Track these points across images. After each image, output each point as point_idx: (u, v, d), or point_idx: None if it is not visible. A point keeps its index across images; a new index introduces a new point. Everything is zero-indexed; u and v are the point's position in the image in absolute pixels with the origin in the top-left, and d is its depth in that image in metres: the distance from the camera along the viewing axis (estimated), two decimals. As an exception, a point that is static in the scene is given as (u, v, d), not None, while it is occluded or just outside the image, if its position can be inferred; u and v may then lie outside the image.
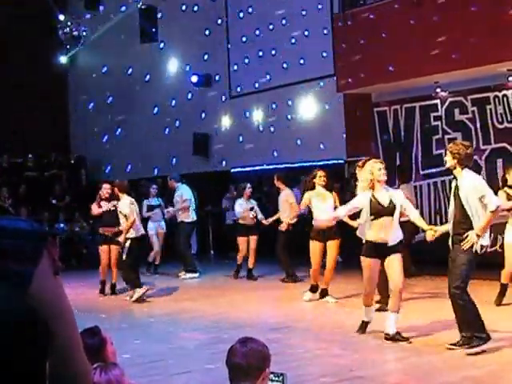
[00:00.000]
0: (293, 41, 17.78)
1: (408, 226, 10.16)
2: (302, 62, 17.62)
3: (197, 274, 15.02)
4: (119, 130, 22.27)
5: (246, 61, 19.10)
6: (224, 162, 19.55)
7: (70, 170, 22.29)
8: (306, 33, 17.48)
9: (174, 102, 20.81)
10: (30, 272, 1.47)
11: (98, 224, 13.69)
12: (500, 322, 8.69)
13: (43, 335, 1.50)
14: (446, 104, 14.48)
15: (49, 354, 1.51)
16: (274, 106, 18.53)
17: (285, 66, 18.05)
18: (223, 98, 19.76)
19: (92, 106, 22.71)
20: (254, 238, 14.34)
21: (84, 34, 20.69)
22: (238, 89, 19.41)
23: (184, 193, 15.06)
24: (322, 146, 17.23)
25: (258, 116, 19.07)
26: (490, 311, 8.85)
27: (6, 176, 20.32)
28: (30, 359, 1.49)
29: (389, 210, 8.39)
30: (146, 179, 20.84)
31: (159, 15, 20.05)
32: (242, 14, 19.15)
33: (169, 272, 15.47)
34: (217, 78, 20.02)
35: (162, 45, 20.22)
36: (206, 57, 19.96)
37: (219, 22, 19.66)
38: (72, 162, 22.74)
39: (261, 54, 18.66)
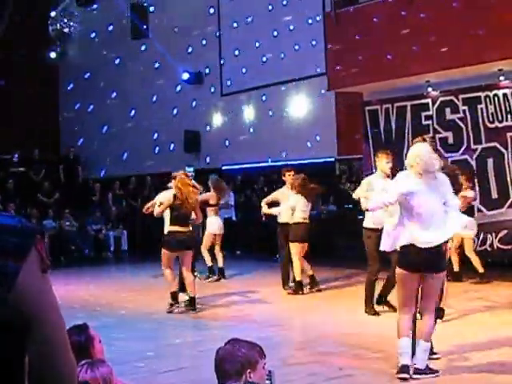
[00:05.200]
0: (284, 39, 17.76)
1: None
2: (293, 60, 17.59)
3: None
4: (110, 126, 22.18)
5: (238, 58, 19.06)
6: (215, 160, 19.50)
7: (62, 166, 22.13)
8: (298, 32, 17.46)
9: (164, 99, 20.75)
10: (16, 268, 1.46)
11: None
12: None
13: (21, 335, 1.49)
14: (438, 103, 14.47)
15: (34, 353, 1.50)
16: (265, 103, 18.50)
17: (276, 63, 18.02)
18: (214, 95, 19.72)
19: (83, 102, 22.60)
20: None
21: (74, 30, 20.60)
22: (229, 86, 19.38)
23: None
24: (312, 144, 17.22)
25: (248, 113, 19.04)
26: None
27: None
28: (6, 358, 1.48)
29: None
30: (137, 176, 20.84)
31: (151, 12, 20.00)
32: (232, 14, 19.11)
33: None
34: (208, 75, 19.99)
35: (153, 41, 20.16)
36: (197, 54, 19.91)
37: (211, 19, 19.61)
38: (66, 158, 22.59)
39: (252, 52, 18.62)
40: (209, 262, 14.06)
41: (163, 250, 10.74)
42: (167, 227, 10.81)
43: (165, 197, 10.85)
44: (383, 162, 9.80)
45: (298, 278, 11.92)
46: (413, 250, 6.54)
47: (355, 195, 10.18)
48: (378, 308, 9.88)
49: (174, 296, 10.70)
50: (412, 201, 6.56)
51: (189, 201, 10.45)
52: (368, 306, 9.86)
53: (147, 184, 20.47)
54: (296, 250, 11.83)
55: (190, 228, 10.70)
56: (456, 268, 11.89)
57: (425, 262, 6.53)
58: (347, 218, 15.00)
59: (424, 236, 6.52)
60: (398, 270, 6.69)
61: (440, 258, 6.69)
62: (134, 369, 7.22)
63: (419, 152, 6.60)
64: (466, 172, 12.57)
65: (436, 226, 6.55)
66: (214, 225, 13.95)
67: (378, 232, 9.29)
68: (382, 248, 8.48)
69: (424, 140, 7.02)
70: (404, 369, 6.52)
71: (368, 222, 9.98)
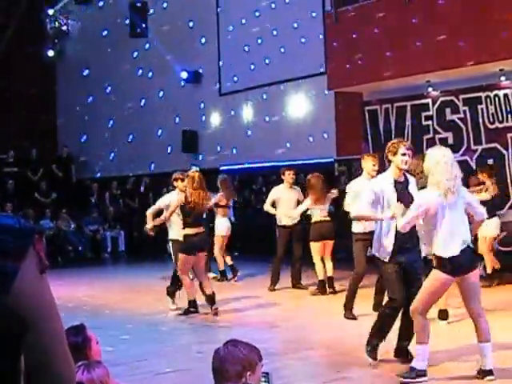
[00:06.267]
0: (283, 39, 17.71)
1: None
2: (292, 59, 17.54)
3: None
4: (108, 126, 22.13)
5: (236, 58, 19.02)
6: (213, 160, 19.44)
7: (59, 166, 22.07)
8: (297, 31, 17.42)
9: (162, 98, 20.72)
10: (14, 269, 1.45)
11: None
12: None
13: (19, 336, 1.47)
14: (438, 103, 14.43)
15: (32, 354, 1.49)
16: (263, 103, 18.46)
17: (275, 63, 17.98)
18: (213, 94, 19.68)
19: (80, 100, 22.54)
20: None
21: (72, 28, 20.58)
22: (228, 86, 19.34)
23: None
24: (312, 144, 17.17)
25: (247, 113, 19.00)
26: None
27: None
28: (4, 359, 1.47)
29: None
30: (135, 176, 20.80)
31: (150, 10, 19.95)
32: (231, 13, 19.08)
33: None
34: (206, 75, 19.96)
35: (151, 40, 20.12)
36: (195, 54, 19.88)
37: (209, 19, 19.57)
38: (59, 158, 22.54)
39: (251, 51, 18.59)
40: (221, 266, 13.92)
41: (181, 255, 10.17)
42: (180, 231, 10.39)
43: (171, 200, 10.61)
44: (370, 165, 9.62)
45: (320, 278, 11.87)
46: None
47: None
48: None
49: (194, 305, 10.33)
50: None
51: (202, 202, 10.07)
52: (347, 310, 9.65)
53: (145, 184, 20.44)
54: (313, 249, 11.85)
55: (203, 228, 10.38)
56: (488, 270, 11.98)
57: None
58: (346, 219, 14.91)
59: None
60: (440, 275, 6.55)
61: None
62: (131, 370, 7.19)
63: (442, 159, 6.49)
64: (485, 169, 12.45)
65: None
66: (224, 226, 13.88)
67: (366, 236, 9.22)
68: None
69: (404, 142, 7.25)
70: (423, 372, 6.59)
71: (356, 227, 9.95)
